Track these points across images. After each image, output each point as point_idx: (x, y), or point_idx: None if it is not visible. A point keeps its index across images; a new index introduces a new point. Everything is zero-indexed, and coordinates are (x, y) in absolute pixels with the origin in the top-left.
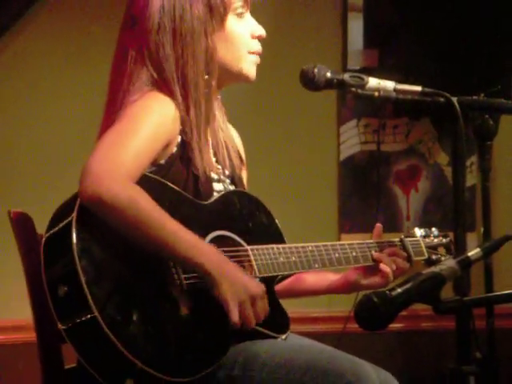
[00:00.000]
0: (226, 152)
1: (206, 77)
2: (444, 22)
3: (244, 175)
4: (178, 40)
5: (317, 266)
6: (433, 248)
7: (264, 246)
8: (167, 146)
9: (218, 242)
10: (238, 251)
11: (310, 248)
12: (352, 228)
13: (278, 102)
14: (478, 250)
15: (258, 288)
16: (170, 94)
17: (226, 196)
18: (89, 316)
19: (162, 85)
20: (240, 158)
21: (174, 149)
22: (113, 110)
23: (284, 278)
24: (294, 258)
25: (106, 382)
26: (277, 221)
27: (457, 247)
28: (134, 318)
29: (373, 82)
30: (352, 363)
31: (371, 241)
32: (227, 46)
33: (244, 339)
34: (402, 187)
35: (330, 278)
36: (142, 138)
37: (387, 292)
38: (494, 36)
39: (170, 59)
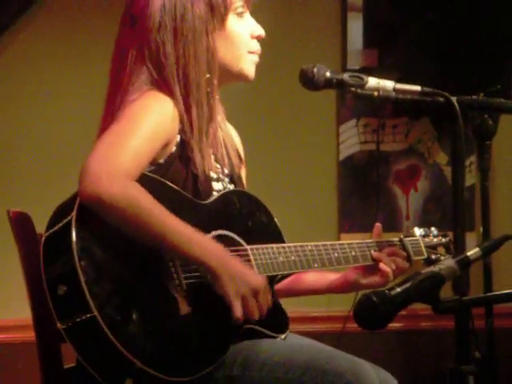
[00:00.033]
0: (225, 151)
1: (208, 76)
2: (443, 21)
3: (243, 174)
4: (179, 39)
5: (316, 265)
6: (432, 247)
7: (263, 246)
8: (166, 145)
9: (218, 241)
10: (237, 251)
11: (310, 247)
12: (351, 228)
13: (277, 101)
14: (477, 249)
15: (260, 280)
16: (170, 93)
17: (226, 195)
18: (88, 315)
19: (161, 84)
20: (239, 156)
21: (174, 148)
22: (112, 109)
23: (283, 277)
24: (293, 258)
25: (106, 381)
26: (276, 220)
27: (456, 247)
28: (134, 317)
29: (372, 81)
30: (351, 363)
31: (371, 240)
32: (227, 45)
33: (243, 339)
34: (402, 187)
35: (329, 277)
36: (141, 137)
37: (386, 291)
38: (494, 36)
39: (171, 58)
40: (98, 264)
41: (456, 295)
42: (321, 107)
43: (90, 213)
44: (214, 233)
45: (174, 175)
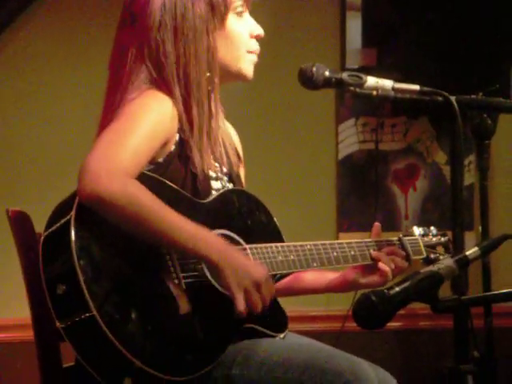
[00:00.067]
0: (224, 149)
1: (208, 74)
2: (443, 21)
3: (242, 173)
4: (179, 38)
5: (315, 264)
6: (431, 247)
7: (263, 245)
8: (165, 144)
9: None
10: None
11: (309, 247)
12: (350, 227)
13: (276, 100)
14: (475, 248)
15: (262, 272)
16: (169, 92)
17: (225, 194)
18: (87, 315)
19: (160, 83)
20: (237, 155)
21: (172, 147)
22: (111, 108)
23: (282, 276)
24: (292, 257)
25: (105, 380)
26: (275, 219)
27: (455, 246)
28: (133, 316)
29: (371, 80)
30: (350, 362)
31: (370, 240)
32: (227, 44)
33: (242, 338)
34: (401, 186)
35: (328, 276)
36: (141, 136)
37: (385, 291)
38: (493, 35)
39: (171, 57)
40: (97, 263)
41: (455, 294)
42: (320, 106)
43: (89, 212)
44: (214, 232)
45: (172, 174)
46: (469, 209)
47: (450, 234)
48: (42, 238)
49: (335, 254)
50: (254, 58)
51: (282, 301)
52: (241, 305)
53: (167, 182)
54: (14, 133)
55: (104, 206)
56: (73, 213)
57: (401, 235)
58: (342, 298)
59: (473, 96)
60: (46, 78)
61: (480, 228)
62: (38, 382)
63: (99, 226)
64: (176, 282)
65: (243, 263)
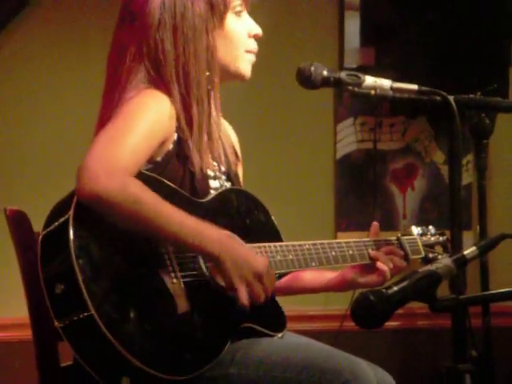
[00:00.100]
0: (222, 148)
1: (207, 73)
2: (441, 20)
3: (240, 171)
4: (178, 37)
5: (314, 264)
6: (430, 246)
7: (261, 244)
8: (163, 143)
9: None
10: None
11: (307, 246)
12: (348, 226)
13: (274, 100)
14: (473, 248)
15: (263, 262)
16: (167, 91)
17: (224, 194)
18: (85, 314)
19: (158, 82)
20: (235, 154)
21: (171, 146)
22: (109, 107)
23: (281, 276)
24: (291, 257)
25: (103, 379)
26: (274, 219)
27: (453, 245)
28: (131, 316)
29: (369, 80)
30: (349, 361)
31: (368, 239)
32: (226, 44)
33: (241, 337)
34: (399, 186)
35: (327, 275)
36: (139, 135)
37: (383, 290)
38: (492, 34)
39: (170, 56)
40: (95, 262)
41: (453, 294)
42: (318, 106)
43: (88, 211)
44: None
45: (171, 173)
46: (467, 208)
47: (448, 233)
48: (41, 237)
49: (334, 253)
50: (252, 58)
51: (280, 300)
52: (244, 297)
53: (165, 181)
54: (11, 132)
55: (103, 204)
56: (71, 212)
57: (399, 235)
58: (340, 297)
59: (471, 95)
60: (44, 78)
61: (478, 227)
62: (36, 382)
63: (98, 226)
64: (174, 281)
65: (244, 255)
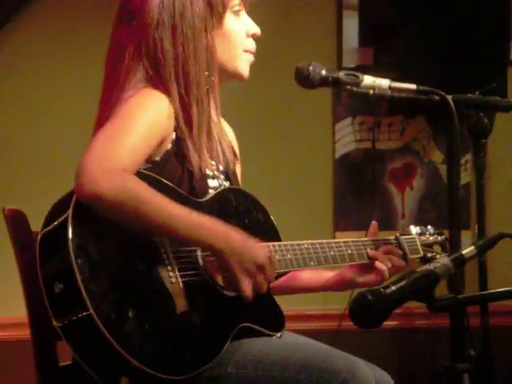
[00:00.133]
0: (220, 147)
1: (206, 73)
2: (440, 20)
3: (238, 171)
4: (177, 37)
5: (312, 263)
6: (428, 246)
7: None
8: (162, 142)
9: None
10: None
11: (306, 246)
12: (347, 226)
13: (273, 99)
14: (472, 247)
15: (264, 253)
16: (166, 90)
17: (222, 193)
18: (84, 313)
19: (157, 81)
20: (234, 153)
21: (169, 145)
22: (107, 106)
23: (280, 275)
24: (289, 256)
25: (102, 379)
26: (272, 218)
27: (451, 245)
28: (130, 315)
29: (368, 79)
30: (347, 361)
31: (366, 238)
32: (224, 43)
33: (239, 337)
34: (397, 185)
35: (325, 275)
36: (138, 134)
37: (382, 290)
38: (491, 34)
39: (169, 55)
40: (94, 262)
41: (451, 293)
42: (316, 105)
43: (87, 210)
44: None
45: (169, 173)
46: (465, 208)
47: (446, 232)
48: (39, 236)
49: (332, 252)
50: (250, 58)
51: (278, 300)
52: (247, 289)
53: (164, 180)
54: (9, 131)
55: (103, 203)
56: (70, 211)
57: (398, 234)
58: (338, 296)
59: (469, 95)
60: (44, 77)
61: (476, 227)
62: (35, 381)
63: (97, 225)
64: (173, 280)
65: (245, 247)
